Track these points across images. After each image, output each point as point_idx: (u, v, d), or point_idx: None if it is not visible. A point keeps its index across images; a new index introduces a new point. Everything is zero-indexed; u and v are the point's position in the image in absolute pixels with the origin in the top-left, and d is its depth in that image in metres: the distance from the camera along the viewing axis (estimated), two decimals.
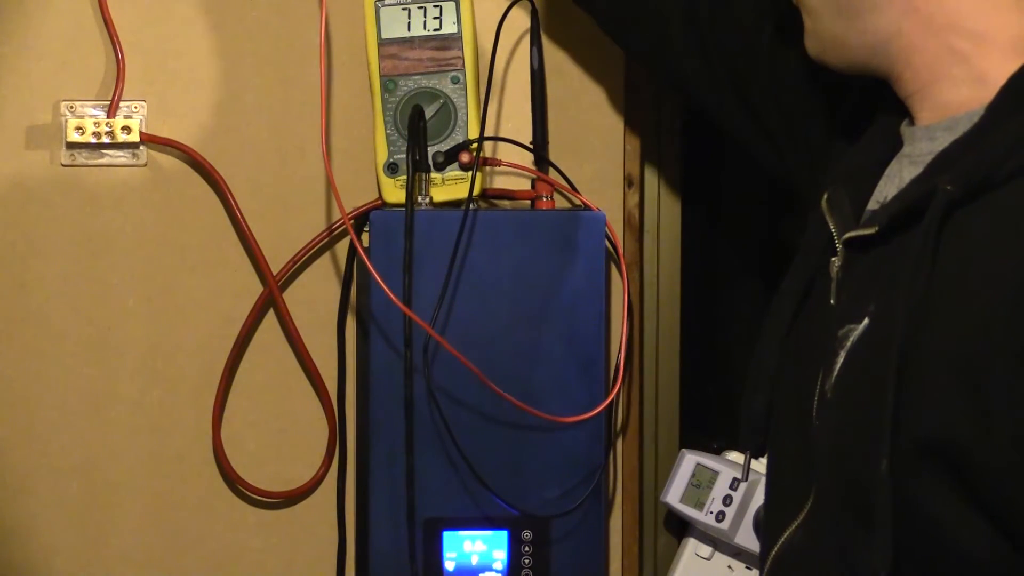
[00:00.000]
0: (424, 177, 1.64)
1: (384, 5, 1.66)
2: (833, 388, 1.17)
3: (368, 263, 1.58)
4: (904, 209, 1.14)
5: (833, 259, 1.21)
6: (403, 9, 1.66)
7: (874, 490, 1.09)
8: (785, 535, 1.24)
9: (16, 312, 1.73)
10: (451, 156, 1.66)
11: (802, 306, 1.27)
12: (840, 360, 1.16)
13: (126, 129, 1.72)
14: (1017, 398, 1.04)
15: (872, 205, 1.23)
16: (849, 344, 1.16)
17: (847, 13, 1.20)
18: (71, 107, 1.72)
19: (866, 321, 1.15)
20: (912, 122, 1.22)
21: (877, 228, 1.16)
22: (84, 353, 1.74)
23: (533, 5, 1.70)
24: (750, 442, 1.31)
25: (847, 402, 1.16)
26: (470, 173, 1.65)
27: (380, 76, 1.67)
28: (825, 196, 1.25)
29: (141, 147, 1.73)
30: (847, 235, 1.20)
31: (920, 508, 1.09)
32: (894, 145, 1.24)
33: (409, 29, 1.67)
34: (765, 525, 1.33)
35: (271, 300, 1.74)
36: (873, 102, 1.30)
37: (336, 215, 1.74)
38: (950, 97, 1.18)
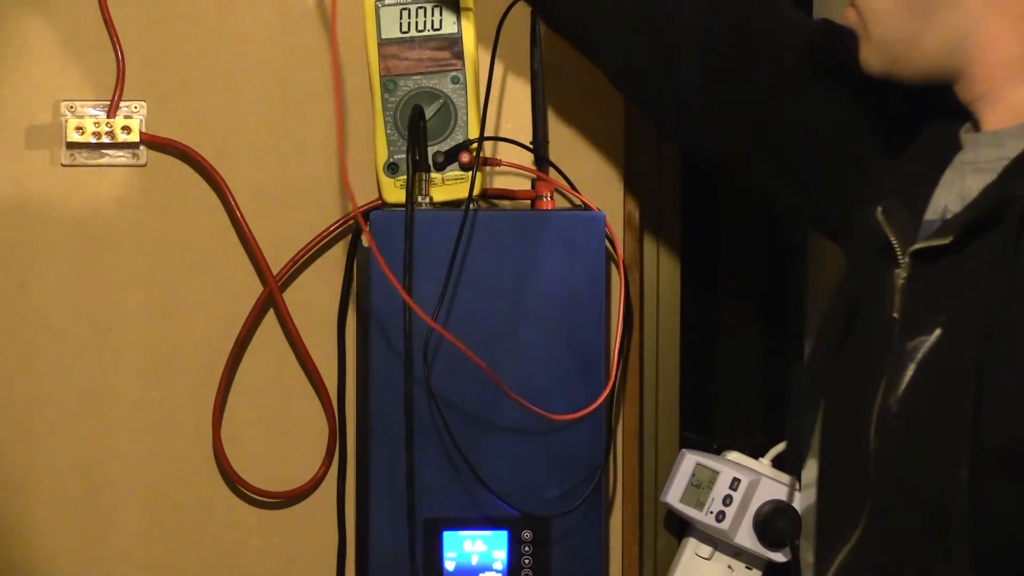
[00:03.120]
0: (424, 177, 1.64)
1: (384, 5, 1.66)
2: (899, 401, 1.14)
3: (378, 255, 1.57)
4: (979, 217, 1.11)
5: (897, 271, 1.18)
6: (403, 9, 1.66)
7: (951, 502, 1.06)
8: (840, 557, 1.20)
9: (16, 312, 1.73)
10: (451, 156, 1.66)
11: (852, 321, 1.23)
12: (909, 373, 1.13)
13: (126, 129, 1.72)
14: None
15: (930, 215, 1.20)
16: (920, 356, 1.13)
17: (922, 11, 1.17)
18: (71, 107, 1.72)
19: (938, 332, 1.12)
20: (974, 127, 1.19)
21: (952, 238, 1.13)
22: (84, 353, 1.74)
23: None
24: (798, 464, 1.27)
25: (919, 414, 1.13)
26: (470, 173, 1.65)
27: (380, 76, 1.67)
28: (880, 209, 1.21)
29: (141, 147, 1.73)
30: (917, 246, 1.16)
31: (999, 520, 1.07)
32: (948, 153, 1.21)
33: (409, 29, 1.67)
34: (816, 546, 1.28)
35: (271, 300, 1.74)
36: (912, 115, 1.27)
37: (336, 215, 1.74)
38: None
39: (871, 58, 1.23)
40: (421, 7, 1.66)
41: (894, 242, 1.19)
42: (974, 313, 1.08)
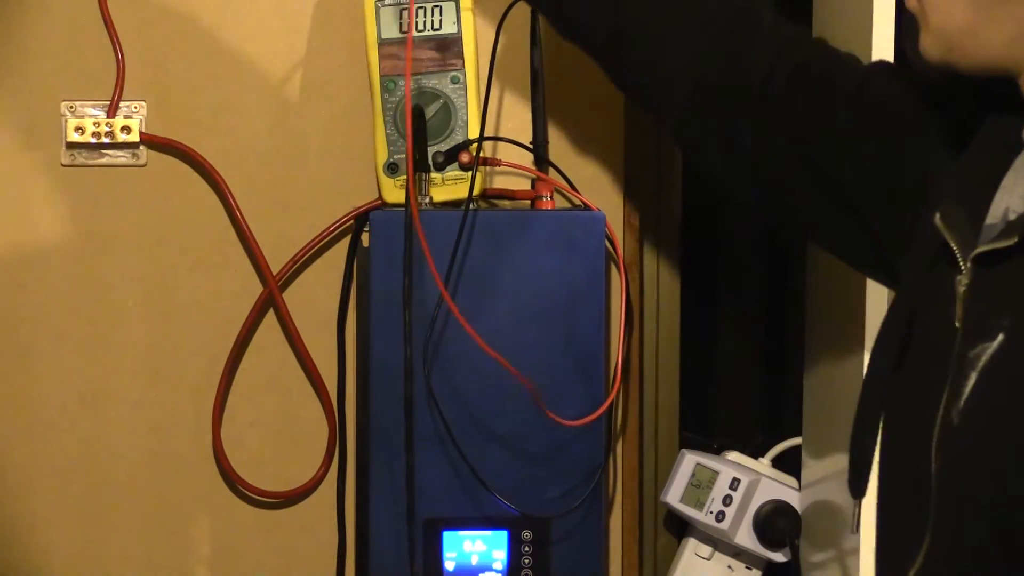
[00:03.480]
0: (424, 177, 1.64)
1: (384, 5, 1.66)
2: (962, 413, 1.09)
3: (421, 235, 1.57)
4: None
5: (959, 277, 1.12)
6: (403, 9, 1.66)
7: (1015, 518, 1.03)
8: None
9: (16, 312, 1.73)
10: (451, 156, 1.66)
11: (910, 333, 1.18)
12: (971, 382, 1.09)
13: (126, 129, 1.72)
14: None
15: (991, 219, 1.15)
16: (981, 364, 1.08)
17: (984, 2, 1.12)
18: (71, 107, 1.72)
19: (1001, 337, 1.08)
20: None
21: (1016, 239, 1.08)
22: (84, 353, 1.74)
23: None
24: (863, 487, 1.21)
25: (983, 425, 1.08)
26: (470, 173, 1.65)
27: (380, 76, 1.67)
28: (938, 214, 1.16)
29: (141, 147, 1.73)
30: (980, 250, 1.11)
31: None
32: (1009, 154, 1.17)
33: (409, 29, 1.67)
34: (879, 567, 1.23)
35: (271, 300, 1.74)
36: (971, 117, 1.24)
37: (336, 215, 1.74)
38: None
39: (929, 46, 1.18)
40: (421, 7, 1.66)
41: (954, 248, 1.14)
42: None
